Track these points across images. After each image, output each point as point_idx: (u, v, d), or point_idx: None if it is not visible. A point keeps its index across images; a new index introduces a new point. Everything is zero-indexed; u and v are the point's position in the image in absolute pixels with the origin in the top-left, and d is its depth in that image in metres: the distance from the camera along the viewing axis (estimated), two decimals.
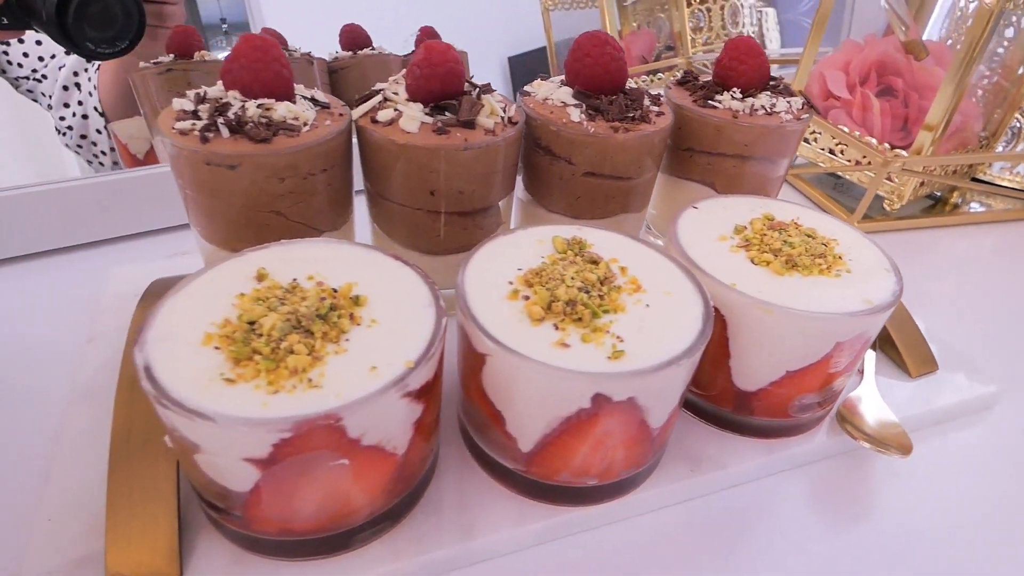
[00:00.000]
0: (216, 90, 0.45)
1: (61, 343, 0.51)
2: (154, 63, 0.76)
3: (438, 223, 0.48)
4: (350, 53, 0.94)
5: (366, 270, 0.37)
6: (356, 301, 0.34)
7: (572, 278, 0.37)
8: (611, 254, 0.41)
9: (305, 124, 0.43)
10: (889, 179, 0.74)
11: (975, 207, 0.82)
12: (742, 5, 1.23)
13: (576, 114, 0.48)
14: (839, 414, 0.46)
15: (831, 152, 0.81)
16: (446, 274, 0.43)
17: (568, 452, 0.36)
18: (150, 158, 0.84)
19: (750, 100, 0.53)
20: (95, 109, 0.76)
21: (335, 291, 0.35)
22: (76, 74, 0.78)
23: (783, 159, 0.56)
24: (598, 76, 0.49)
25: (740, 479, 0.43)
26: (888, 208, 0.77)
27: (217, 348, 0.31)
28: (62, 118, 0.77)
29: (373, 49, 0.96)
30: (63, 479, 0.38)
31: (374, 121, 0.45)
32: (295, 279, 0.36)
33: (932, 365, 0.52)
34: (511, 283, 0.38)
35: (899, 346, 0.52)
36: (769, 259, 0.41)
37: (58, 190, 0.64)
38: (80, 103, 0.76)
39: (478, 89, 0.48)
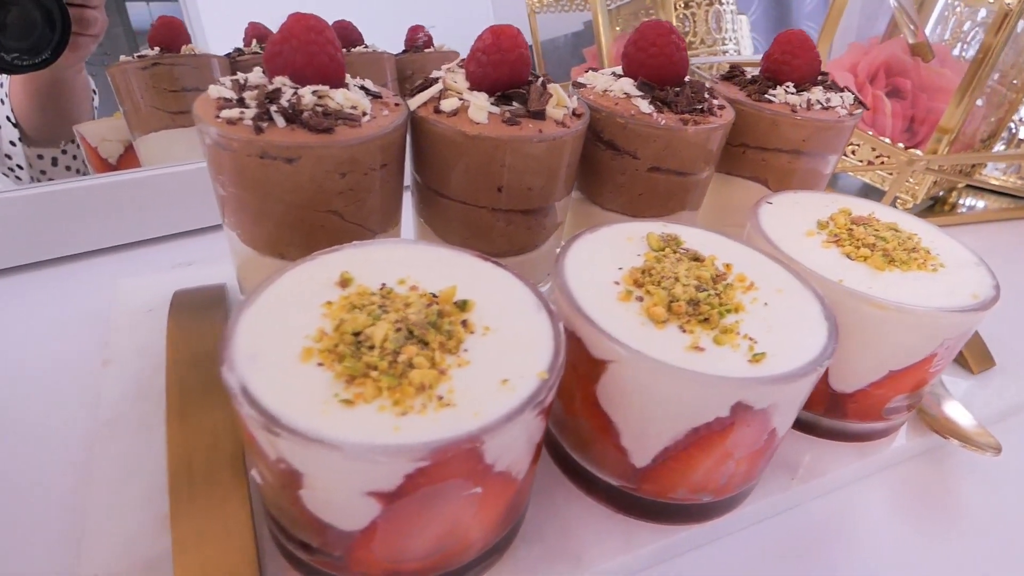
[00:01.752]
0: (257, 76, 0.40)
1: (72, 364, 0.44)
2: (138, 56, 0.70)
3: (500, 222, 0.44)
4: (344, 51, 0.89)
5: (458, 272, 0.33)
6: (463, 306, 0.30)
7: (685, 276, 0.34)
8: (708, 250, 0.38)
9: (364, 114, 0.39)
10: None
11: (971, 206, 0.85)
12: (724, 11, 1.24)
13: (645, 105, 0.45)
14: (922, 414, 0.44)
15: (844, 154, 0.81)
16: None
17: (690, 466, 0.33)
18: (124, 162, 0.77)
19: (805, 94, 0.52)
20: (7, 119, 0.66)
21: (435, 296, 0.31)
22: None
23: (834, 155, 0.55)
24: (664, 67, 0.47)
25: (835, 485, 0.41)
26: (900, 208, 0.77)
27: (320, 364, 0.26)
28: None
29: (366, 47, 0.92)
30: (107, 526, 0.32)
31: (437, 111, 0.41)
32: (384, 284, 0.31)
33: (990, 361, 0.51)
34: (617, 283, 0.34)
35: (967, 350, 0.51)
36: (866, 254, 0.40)
37: (36, 196, 0.57)
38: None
39: (541, 79, 0.45)
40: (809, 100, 0.51)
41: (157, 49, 0.71)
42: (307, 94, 0.38)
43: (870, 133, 0.77)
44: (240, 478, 0.31)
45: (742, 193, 0.55)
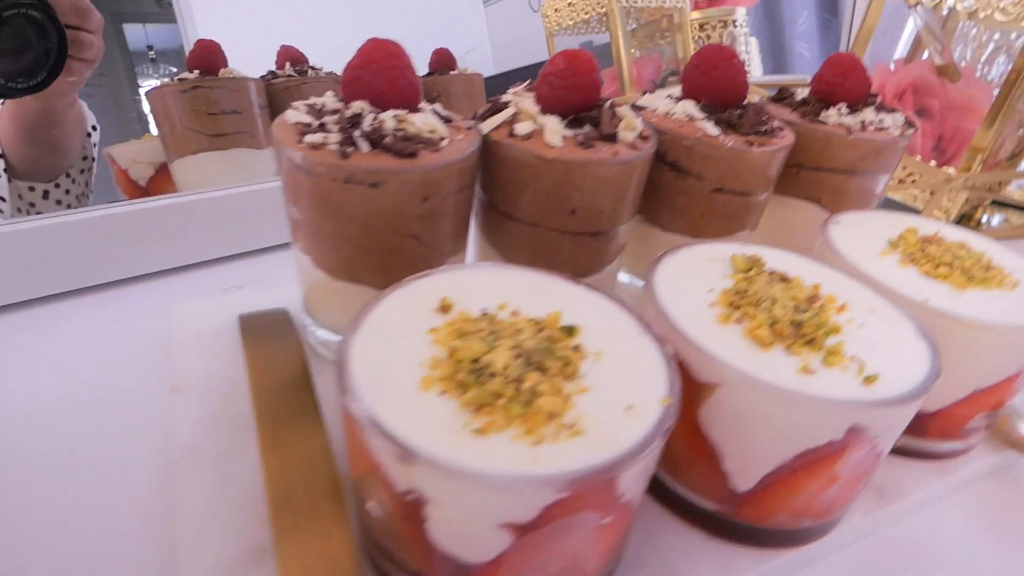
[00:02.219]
0: (332, 101, 0.40)
1: (135, 393, 0.43)
2: (179, 79, 0.70)
3: (568, 244, 0.44)
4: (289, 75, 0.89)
5: (555, 297, 0.33)
6: (570, 332, 0.30)
7: (782, 297, 0.34)
8: (792, 272, 0.38)
9: (442, 139, 0.39)
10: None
11: (998, 221, 0.86)
12: (738, 33, 1.26)
13: (711, 128, 0.45)
14: (997, 431, 0.44)
15: None
16: None
17: (795, 490, 0.32)
18: (154, 184, 0.76)
19: (858, 115, 0.52)
20: None
21: (539, 322, 0.30)
22: None
23: (886, 175, 0.55)
24: (727, 89, 0.47)
25: (919, 505, 0.41)
26: None
27: (443, 393, 0.26)
28: None
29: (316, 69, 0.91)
30: (200, 561, 0.31)
31: (511, 135, 0.41)
32: (485, 309, 0.31)
33: None
34: (713, 305, 0.34)
35: None
36: (946, 273, 0.40)
37: (84, 221, 0.56)
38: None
39: (609, 102, 0.45)
40: (863, 121, 0.52)
41: (197, 72, 0.70)
42: (388, 119, 0.38)
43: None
44: (341, 509, 0.30)
45: (796, 214, 0.56)
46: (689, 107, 0.47)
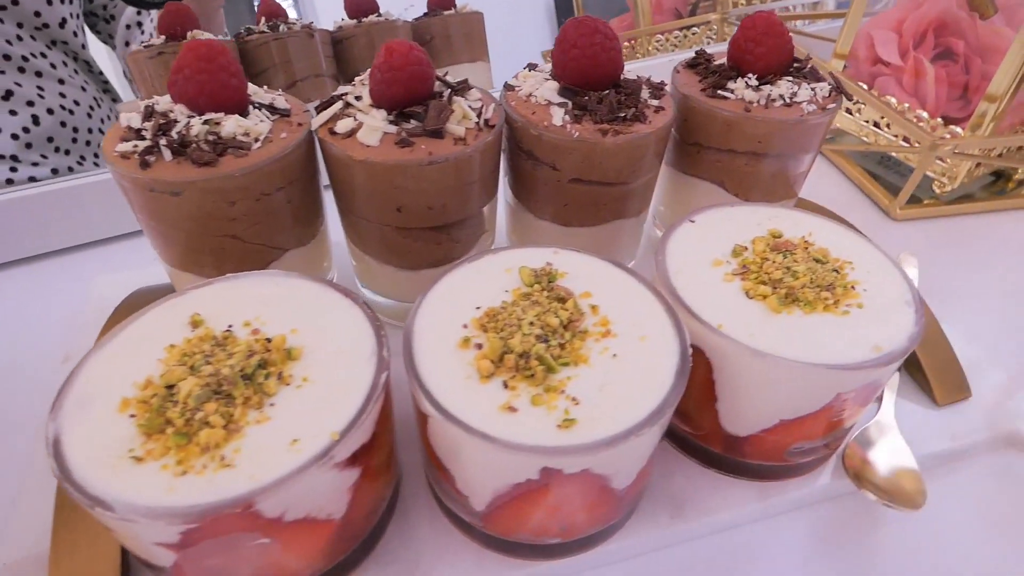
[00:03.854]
0: (166, 101, 0.42)
1: (37, 362, 0.50)
2: (145, 46, 0.74)
3: (408, 239, 0.44)
4: (355, 21, 0.89)
5: (311, 312, 0.34)
6: (289, 354, 0.32)
7: (532, 323, 0.33)
8: (586, 286, 0.37)
9: (256, 140, 0.40)
10: (941, 159, 0.66)
11: None
12: None
13: (559, 116, 0.43)
14: (845, 455, 0.41)
15: (876, 126, 0.72)
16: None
17: (522, 516, 0.33)
18: None
19: (767, 88, 0.46)
20: None
21: (269, 341, 0.32)
22: (139, 13, 0.83)
23: (805, 155, 0.49)
24: (587, 70, 0.44)
25: (727, 525, 0.40)
26: (938, 191, 0.68)
27: (133, 416, 0.29)
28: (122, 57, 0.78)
29: (379, 15, 0.91)
30: (23, 515, 0.38)
31: (332, 132, 0.41)
32: (231, 326, 0.33)
33: (963, 391, 0.46)
34: (466, 326, 0.34)
35: (926, 370, 0.46)
36: (766, 292, 0.36)
37: (25, 198, 0.62)
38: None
39: (450, 89, 0.44)
40: (770, 95, 0.46)
41: (163, 38, 0.74)
42: (197, 124, 0.39)
43: (905, 106, 0.68)
44: None
45: (702, 197, 0.52)
46: (548, 90, 0.44)
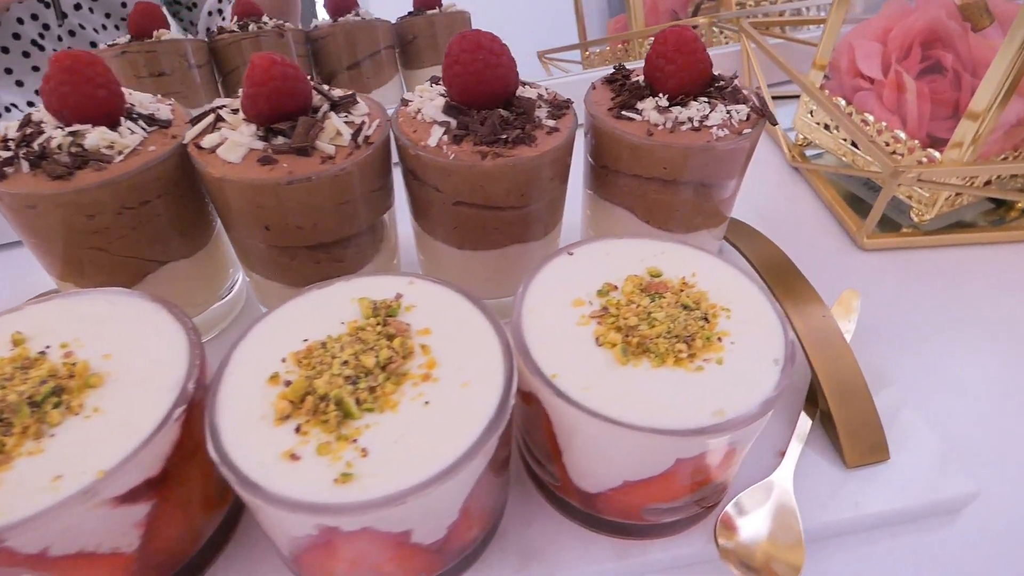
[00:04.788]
0: (43, 112, 0.41)
1: None
2: (109, 45, 0.75)
3: (285, 257, 0.43)
4: (330, 20, 0.88)
5: (134, 335, 0.34)
6: (88, 382, 0.31)
7: (346, 362, 0.31)
8: (429, 322, 0.35)
9: (120, 153, 0.39)
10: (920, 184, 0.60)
11: None
12: None
13: (436, 136, 0.40)
14: (722, 520, 0.37)
15: (855, 145, 0.66)
16: None
17: (326, 566, 0.31)
18: None
19: (676, 111, 0.43)
20: None
21: (74, 366, 0.31)
22: (220, 0, 0.89)
23: (723, 182, 0.45)
24: (470, 87, 0.41)
25: None
26: (916, 219, 0.62)
27: None
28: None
29: (357, 15, 0.90)
30: None
31: (199, 147, 0.40)
32: (48, 347, 0.33)
33: (879, 454, 0.41)
34: (284, 360, 0.32)
35: (838, 425, 0.42)
36: (616, 340, 0.33)
37: None
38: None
39: (329, 104, 0.42)
40: (677, 118, 0.42)
41: (128, 37, 0.75)
42: (60, 136, 0.39)
43: (882, 125, 0.62)
44: None
45: (616, 223, 0.48)
46: (434, 107, 0.42)
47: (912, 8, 0.65)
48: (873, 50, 0.64)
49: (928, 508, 0.40)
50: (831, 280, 0.56)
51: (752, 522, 0.37)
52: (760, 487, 0.39)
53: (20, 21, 0.76)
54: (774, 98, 0.82)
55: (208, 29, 0.87)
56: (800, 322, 0.45)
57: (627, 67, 0.48)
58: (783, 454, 0.42)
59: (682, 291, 0.36)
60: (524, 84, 0.46)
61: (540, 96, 0.44)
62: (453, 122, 0.41)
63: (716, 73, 0.46)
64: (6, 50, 0.76)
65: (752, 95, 0.45)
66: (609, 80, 0.48)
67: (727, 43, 0.92)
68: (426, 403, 0.30)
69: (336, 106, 0.42)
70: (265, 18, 0.84)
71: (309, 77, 0.92)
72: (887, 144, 0.62)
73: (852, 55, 0.65)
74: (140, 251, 0.42)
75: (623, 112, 0.43)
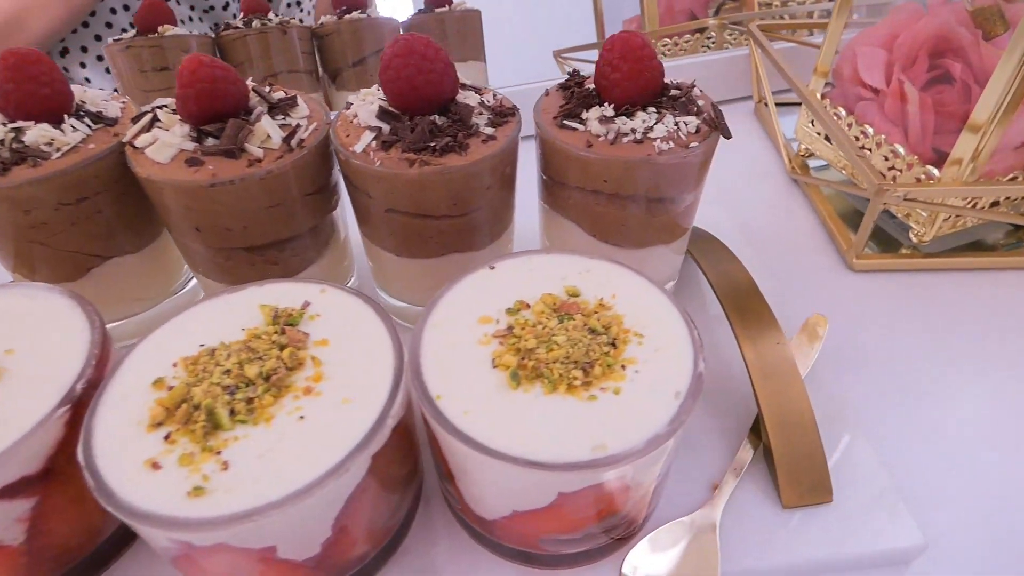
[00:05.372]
0: None
1: None
2: (114, 40, 0.77)
3: (220, 258, 0.43)
4: (335, 17, 0.89)
5: (39, 331, 0.34)
6: None
7: (228, 370, 0.31)
8: (329, 332, 0.34)
9: (59, 150, 0.40)
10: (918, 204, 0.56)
11: None
12: None
13: (364, 142, 0.40)
14: (629, 557, 0.36)
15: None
16: None
17: (200, 574, 0.31)
18: None
19: (620, 121, 0.41)
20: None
21: None
22: None
23: (675, 196, 0.43)
24: (403, 92, 0.40)
25: None
26: (916, 241, 0.58)
27: None
28: None
29: (363, 12, 0.90)
30: None
31: (134, 147, 0.41)
32: None
33: (820, 495, 0.38)
34: (175, 365, 0.32)
35: (775, 461, 0.39)
36: (510, 363, 0.32)
37: None
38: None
39: (267, 106, 0.42)
40: (620, 129, 0.40)
41: (134, 31, 0.77)
42: (1, 132, 0.40)
43: (882, 137, 0.58)
44: None
45: (567, 236, 0.47)
46: (368, 112, 0.41)
47: (922, 13, 0.60)
48: (877, 57, 0.60)
49: (871, 558, 0.37)
50: (813, 302, 0.53)
51: (663, 561, 0.35)
52: (680, 523, 0.37)
53: (113, 11, 0.80)
54: (780, 105, 0.78)
55: (216, 24, 0.89)
56: (750, 348, 0.43)
57: (581, 74, 0.46)
58: (716, 488, 0.39)
59: (595, 313, 0.34)
60: (474, 91, 0.45)
61: (483, 103, 0.43)
62: (386, 128, 0.40)
63: (673, 82, 0.44)
64: (99, 38, 0.79)
65: (709, 106, 0.42)
66: (563, 87, 0.46)
67: (741, 45, 0.88)
68: (301, 418, 0.30)
69: (273, 108, 0.42)
70: (271, 15, 0.86)
71: (314, 74, 0.93)
72: (886, 158, 0.58)
73: (855, 62, 0.61)
74: (81, 246, 0.43)
75: (565, 121, 0.42)
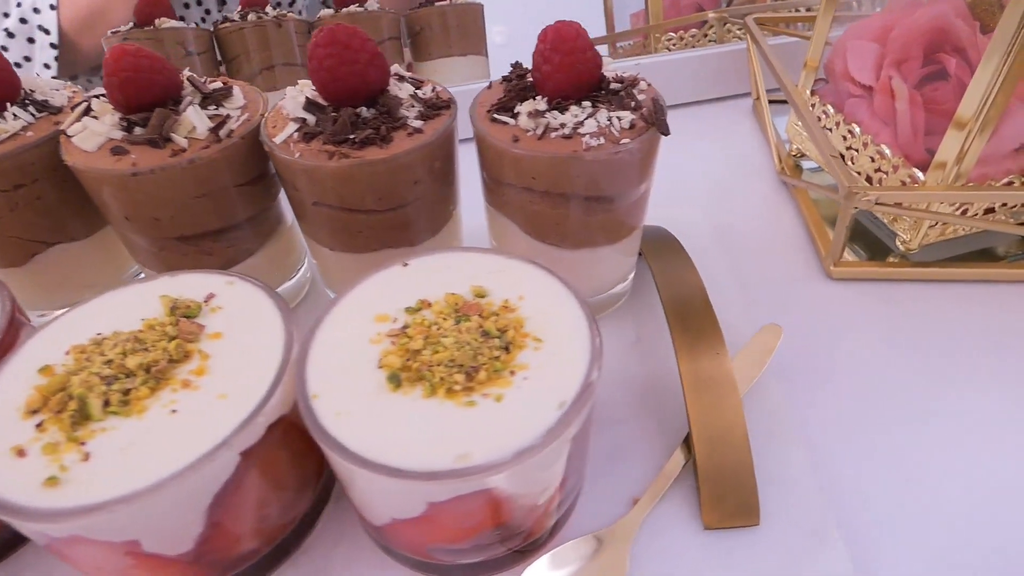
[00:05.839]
0: None
1: None
2: (112, 33, 0.79)
3: (155, 248, 0.43)
4: (332, 11, 0.89)
5: None
6: None
7: (110, 360, 0.31)
8: (228, 326, 0.34)
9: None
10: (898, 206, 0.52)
11: None
12: None
13: (285, 134, 0.39)
14: (527, 572, 0.34)
15: (841, 157, 0.59)
16: None
17: (74, 563, 0.31)
18: None
19: (551, 115, 0.39)
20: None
21: None
22: None
23: (614, 195, 0.41)
24: (325, 83, 0.39)
25: None
26: (903, 249, 0.54)
27: None
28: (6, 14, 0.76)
29: (361, 6, 0.90)
30: None
31: (67, 135, 0.41)
32: None
33: (745, 517, 0.36)
34: (68, 353, 0.32)
35: (700, 478, 0.37)
36: (394, 364, 0.30)
37: None
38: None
39: (201, 96, 0.42)
40: (549, 124, 0.38)
41: (131, 24, 0.79)
42: None
43: (867, 138, 0.54)
44: None
45: (509, 235, 0.45)
46: (295, 104, 0.41)
47: (920, 4, 0.56)
48: (868, 51, 0.56)
49: None
50: (783, 310, 0.50)
51: None
52: (588, 539, 0.35)
53: (186, 5, 0.82)
54: (778, 103, 0.74)
55: (224, 17, 0.90)
56: (686, 357, 0.40)
57: (524, 66, 0.44)
58: (636, 503, 0.37)
59: (495, 316, 0.33)
60: (412, 83, 0.44)
61: (416, 95, 0.42)
62: (312, 119, 0.40)
63: (618, 75, 0.42)
64: None
65: (650, 101, 0.40)
66: (506, 79, 0.45)
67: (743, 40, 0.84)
68: (173, 411, 0.29)
69: (207, 99, 0.42)
70: (268, 8, 0.86)
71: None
72: (872, 160, 0.54)
73: (846, 57, 0.58)
74: (22, 232, 0.44)
75: (496, 115, 0.40)
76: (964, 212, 0.51)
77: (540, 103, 0.40)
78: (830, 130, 0.59)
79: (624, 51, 1.06)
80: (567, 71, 0.39)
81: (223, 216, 0.43)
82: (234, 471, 0.29)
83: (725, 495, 0.36)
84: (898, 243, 0.54)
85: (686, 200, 0.66)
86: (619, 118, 0.38)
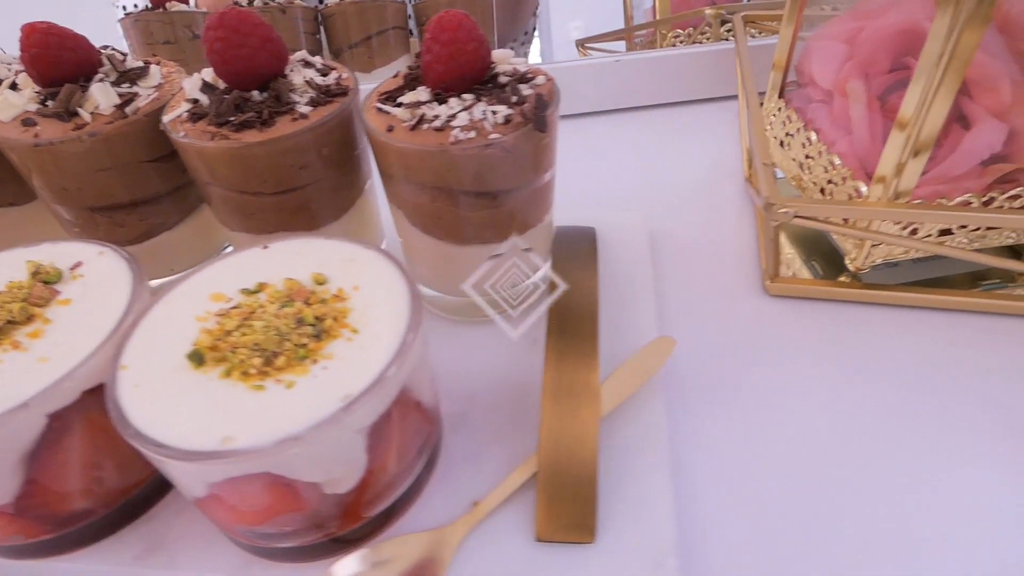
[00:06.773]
0: None
1: None
2: (126, 13, 0.84)
3: (69, 216, 0.46)
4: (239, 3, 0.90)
5: None
6: None
7: None
8: (81, 294, 0.35)
9: None
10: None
11: None
12: None
13: (176, 113, 0.40)
14: (336, 567, 0.34)
15: (801, 166, 0.55)
16: None
17: None
18: None
19: (427, 107, 0.38)
20: None
21: None
22: None
23: (495, 191, 0.40)
24: (217, 66, 0.40)
25: None
26: (851, 267, 0.50)
27: None
28: None
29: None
30: None
31: None
32: None
33: (580, 534, 0.34)
34: None
35: (539, 490, 0.35)
36: (204, 343, 0.31)
37: None
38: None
39: (117, 73, 0.43)
40: (424, 115, 0.38)
41: (146, 4, 0.83)
42: None
43: (822, 147, 0.50)
44: None
45: (401, 226, 0.45)
46: (192, 85, 0.42)
47: (893, 3, 0.51)
48: (834, 53, 0.52)
49: None
50: (707, 324, 0.48)
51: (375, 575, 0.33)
52: (411, 537, 0.35)
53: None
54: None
55: (235, 3, 0.94)
56: (552, 365, 0.39)
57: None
58: (476, 505, 0.36)
59: (322, 303, 0.33)
60: (317, 69, 0.44)
61: (310, 81, 0.42)
62: (205, 100, 0.41)
63: (516, 69, 0.41)
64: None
65: (534, 96, 0.39)
66: (409, 68, 0.44)
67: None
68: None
69: (121, 76, 0.44)
70: None
71: (319, 54, 0.95)
72: (825, 170, 0.50)
73: (811, 58, 0.54)
74: None
75: (379, 104, 0.40)
76: (914, 232, 0.46)
77: (422, 93, 0.39)
78: (792, 136, 0.55)
79: (639, 47, 1.03)
80: (446, 62, 0.38)
81: (132, 190, 0.45)
82: (44, 431, 0.31)
83: (562, 508, 0.35)
84: (847, 262, 0.50)
85: (644, 202, 0.63)
86: (494, 112, 0.37)
